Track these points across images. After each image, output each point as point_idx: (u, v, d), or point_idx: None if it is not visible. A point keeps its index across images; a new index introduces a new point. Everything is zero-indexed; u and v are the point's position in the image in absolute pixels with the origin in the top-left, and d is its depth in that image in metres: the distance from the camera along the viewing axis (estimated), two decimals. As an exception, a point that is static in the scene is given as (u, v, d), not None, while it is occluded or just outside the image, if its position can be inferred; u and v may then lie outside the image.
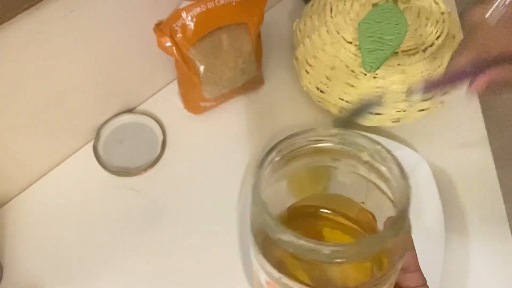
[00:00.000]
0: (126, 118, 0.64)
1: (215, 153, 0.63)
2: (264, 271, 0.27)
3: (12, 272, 0.54)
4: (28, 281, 0.54)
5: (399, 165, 0.27)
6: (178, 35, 0.55)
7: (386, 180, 0.28)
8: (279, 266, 0.26)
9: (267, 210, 0.25)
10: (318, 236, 0.32)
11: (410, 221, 0.26)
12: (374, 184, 0.29)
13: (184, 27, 0.55)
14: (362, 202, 0.32)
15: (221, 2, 0.55)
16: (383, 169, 0.28)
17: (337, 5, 0.58)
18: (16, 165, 0.56)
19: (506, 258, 0.55)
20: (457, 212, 0.58)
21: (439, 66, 0.56)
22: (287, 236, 0.24)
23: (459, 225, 0.57)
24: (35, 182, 0.60)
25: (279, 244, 0.24)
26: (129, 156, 0.61)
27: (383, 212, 0.29)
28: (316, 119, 0.65)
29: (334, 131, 0.29)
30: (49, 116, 0.55)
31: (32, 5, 0.43)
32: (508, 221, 0.57)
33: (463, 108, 0.65)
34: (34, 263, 0.55)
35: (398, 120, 0.58)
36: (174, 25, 0.55)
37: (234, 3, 0.56)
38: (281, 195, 0.32)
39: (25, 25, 0.44)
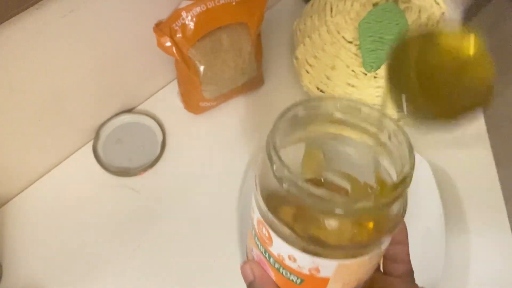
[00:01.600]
0: (126, 118, 0.63)
1: (215, 153, 0.63)
2: (257, 208, 0.28)
3: (12, 272, 0.54)
4: (28, 281, 0.54)
5: (409, 144, 0.28)
6: (178, 35, 0.55)
7: (392, 157, 0.29)
8: (273, 207, 0.27)
9: (277, 150, 0.26)
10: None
11: (407, 203, 0.27)
12: (381, 164, 0.30)
13: (184, 27, 0.55)
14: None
15: (221, 2, 0.55)
16: (394, 149, 0.29)
17: (338, 5, 0.58)
18: (16, 165, 0.56)
19: (507, 258, 0.55)
20: (458, 212, 0.58)
21: (439, 66, 0.56)
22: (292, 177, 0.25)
23: (460, 224, 0.57)
24: (35, 182, 0.60)
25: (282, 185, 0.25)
26: (128, 156, 0.61)
27: None
28: (316, 119, 0.65)
29: (361, 105, 0.29)
30: (48, 116, 0.55)
31: (32, 5, 0.43)
32: (508, 220, 0.57)
33: (463, 108, 0.65)
34: (34, 263, 0.55)
35: (398, 120, 0.58)
36: (174, 25, 0.55)
37: (234, 3, 0.56)
38: (291, 157, 0.32)
39: (25, 24, 0.44)
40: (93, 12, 0.49)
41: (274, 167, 0.26)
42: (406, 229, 0.34)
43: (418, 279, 0.52)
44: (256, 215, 0.29)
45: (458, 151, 0.62)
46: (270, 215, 0.27)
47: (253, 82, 0.65)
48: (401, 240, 0.33)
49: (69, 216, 0.58)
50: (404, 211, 0.28)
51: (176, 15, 0.54)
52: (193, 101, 0.63)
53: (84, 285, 0.54)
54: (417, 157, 0.58)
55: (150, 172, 0.61)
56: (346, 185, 0.32)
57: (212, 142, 0.63)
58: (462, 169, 0.61)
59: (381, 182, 0.30)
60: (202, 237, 0.56)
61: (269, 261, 0.29)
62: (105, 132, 0.62)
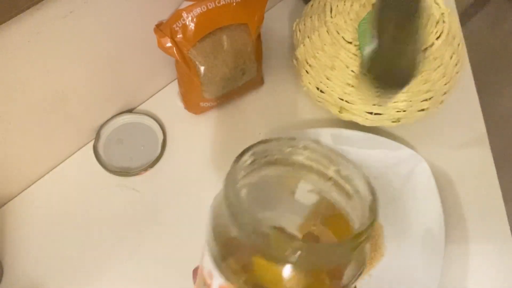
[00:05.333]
0: (127, 118, 0.64)
1: (215, 153, 0.63)
2: (212, 259, 0.26)
3: (12, 272, 0.54)
4: (28, 281, 0.54)
5: (367, 182, 0.27)
6: (178, 36, 0.55)
7: (349, 197, 0.28)
8: (227, 257, 0.26)
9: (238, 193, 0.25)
10: None
11: (368, 243, 0.26)
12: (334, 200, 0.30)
13: (184, 27, 0.55)
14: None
15: (221, 3, 0.55)
16: (347, 186, 0.28)
17: (337, 5, 0.58)
18: (16, 165, 0.56)
19: (506, 258, 0.55)
20: (457, 212, 0.58)
21: (439, 66, 0.56)
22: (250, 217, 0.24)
23: (459, 225, 0.57)
24: (35, 182, 0.60)
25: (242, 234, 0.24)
26: (129, 156, 0.61)
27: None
28: (316, 119, 0.65)
29: (308, 143, 0.29)
30: (49, 116, 0.55)
31: (32, 5, 0.43)
32: (508, 221, 0.57)
33: (463, 108, 0.66)
34: (34, 263, 0.55)
35: (398, 120, 0.58)
36: (175, 25, 0.55)
37: (234, 4, 0.56)
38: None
39: (25, 25, 0.44)
40: (94, 13, 0.49)
41: (234, 213, 0.25)
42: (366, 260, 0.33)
43: (418, 279, 0.52)
44: (206, 266, 0.27)
45: (458, 151, 0.62)
46: (223, 265, 0.26)
47: (253, 82, 0.65)
48: None
49: (70, 216, 0.58)
50: (365, 264, 0.27)
51: (176, 15, 0.54)
52: (193, 102, 0.63)
53: (84, 285, 0.54)
54: (417, 157, 0.58)
55: (150, 172, 0.61)
56: (298, 225, 0.31)
57: (212, 142, 0.64)
58: (462, 170, 0.61)
59: (332, 220, 0.30)
60: (202, 237, 0.56)
61: None
62: (105, 132, 0.62)
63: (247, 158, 0.29)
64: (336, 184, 0.29)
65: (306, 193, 0.30)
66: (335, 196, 0.29)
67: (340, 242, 0.27)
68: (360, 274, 0.26)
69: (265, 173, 0.30)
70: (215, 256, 0.27)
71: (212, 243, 0.27)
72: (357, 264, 0.26)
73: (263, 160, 0.30)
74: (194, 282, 0.30)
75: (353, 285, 0.26)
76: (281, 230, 0.30)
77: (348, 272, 0.26)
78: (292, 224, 0.31)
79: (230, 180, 0.27)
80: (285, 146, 0.30)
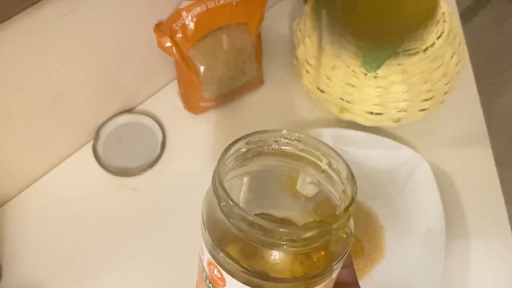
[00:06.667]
0: (126, 118, 0.63)
1: (215, 153, 0.62)
2: (206, 248, 0.28)
3: (12, 272, 0.54)
4: (28, 281, 0.54)
5: (348, 168, 0.28)
6: (178, 35, 0.55)
7: (336, 185, 0.29)
8: (223, 246, 0.26)
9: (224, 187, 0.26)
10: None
11: (352, 229, 0.28)
12: (328, 191, 0.30)
13: (184, 27, 0.55)
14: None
15: (221, 2, 0.55)
16: (337, 179, 0.29)
17: (338, 5, 0.58)
18: (15, 165, 0.56)
19: (507, 258, 0.55)
20: (458, 212, 0.58)
21: (439, 66, 0.56)
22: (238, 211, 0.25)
23: (460, 225, 0.57)
24: (34, 182, 0.60)
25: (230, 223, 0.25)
26: (128, 156, 0.61)
27: None
28: (316, 119, 0.65)
29: (301, 135, 0.30)
30: (48, 116, 0.55)
31: (32, 4, 0.43)
32: (509, 221, 0.57)
33: (463, 108, 0.65)
34: (33, 263, 0.55)
35: (398, 120, 0.58)
36: (174, 25, 0.55)
37: (234, 3, 0.56)
38: (236, 192, 0.32)
39: (24, 24, 0.44)
40: (94, 12, 0.49)
41: (222, 204, 0.26)
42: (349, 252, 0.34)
43: (419, 279, 0.52)
44: (206, 256, 0.28)
45: (458, 151, 0.62)
46: (221, 255, 0.26)
47: (253, 82, 0.65)
48: (348, 263, 0.32)
49: (69, 216, 0.58)
50: (352, 234, 0.28)
51: (176, 15, 0.54)
52: (193, 101, 0.63)
53: (84, 285, 0.54)
54: (417, 157, 0.58)
55: (150, 172, 0.61)
56: (294, 217, 0.32)
57: (212, 142, 0.63)
58: (462, 169, 0.61)
59: (326, 209, 0.30)
60: (201, 237, 0.56)
61: None
62: (105, 132, 0.62)
63: (242, 146, 0.30)
64: (328, 177, 0.30)
65: (306, 184, 0.31)
66: (330, 188, 0.30)
67: (319, 223, 0.28)
68: (346, 252, 0.27)
69: (263, 163, 0.31)
70: (210, 248, 0.27)
71: (205, 235, 0.28)
72: (343, 242, 0.27)
73: (259, 150, 0.30)
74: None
75: (346, 254, 0.27)
76: (267, 217, 0.31)
77: (334, 250, 0.27)
78: (291, 215, 0.32)
79: (219, 167, 0.28)
80: (279, 137, 0.30)
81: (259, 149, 0.30)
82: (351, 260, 0.33)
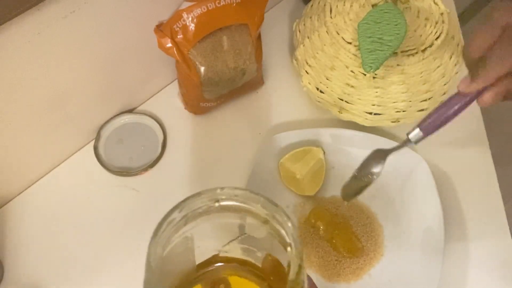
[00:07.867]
0: (127, 118, 0.64)
1: (215, 153, 0.63)
2: None
3: (13, 272, 0.54)
4: (28, 281, 0.54)
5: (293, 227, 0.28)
6: (178, 36, 0.55)
7: (284, 243, 0.29)
8: None
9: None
10: (226, 285, 0.34)
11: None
12: (276, 237, 0.31)
13: (184, 28, 0.55)
14: (269, 254, 0.33)
15: (221, 3, 0.55)
16: (281, 230, 0.29)
17: (337, 6, 0.58)
18: (16, 165, 0.57)
19: (506, 257, 0.55)
20: (457, 211, 0.58)
21: (438, 66, 0.56)
22: None
23: (459, 224, 0.57)
24: (35, 182, 0.60)
25: None
26: (129, 156, 0.62)
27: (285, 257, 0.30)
28: (316, 119, 0.65)
29: (238, 191, 0.30)
30: (49, 116, 0.55)
31: (33, 6, 0.43)
32: (508, 221, 0.58)
33: (463, 108, 0.66)
34: (34, 262, 0.55)
35: (398, 120, 0.58)
36: (175, 26, 0.55)
37: (234, 4, 0.56)
38: (189, 251, 0.33)
39: (25, 25, 0.44)
40: (94, 13, 0.50)
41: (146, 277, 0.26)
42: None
43: (418, 278, 0.52)
44: None
45: (457, 151, 0.62)
46: None
47: (253, 83, 0.65)
48: None
49: (70, 216, 0.58)
50: None
51: (177, 16, 0.55)
52: (193, 102, 0.63)
53: (84, 285, 0.54)
54: (416, 157, 0.58)
55: (150, 172, 0.61)
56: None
57: (212, 142, 0.64)
58: (461, 169, 0.61)
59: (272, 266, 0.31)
60: (202, 237, 0.57)
61: None
62: (106, 132, 0.63)
63: (176, 216, 0.31)
64: (272, 228, 0.30)
65: (255, 228, 0.32)
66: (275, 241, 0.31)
67: None
68: None
69: (204, 220, 0.32)
70: None
71: None
72: None
73: (196, 212, 0.31)
74: None
75: None
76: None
77: None
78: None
79: (150, 246, 0.30)
80: (214, 195, 0.31)
81: (197, 211, 0.31)
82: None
